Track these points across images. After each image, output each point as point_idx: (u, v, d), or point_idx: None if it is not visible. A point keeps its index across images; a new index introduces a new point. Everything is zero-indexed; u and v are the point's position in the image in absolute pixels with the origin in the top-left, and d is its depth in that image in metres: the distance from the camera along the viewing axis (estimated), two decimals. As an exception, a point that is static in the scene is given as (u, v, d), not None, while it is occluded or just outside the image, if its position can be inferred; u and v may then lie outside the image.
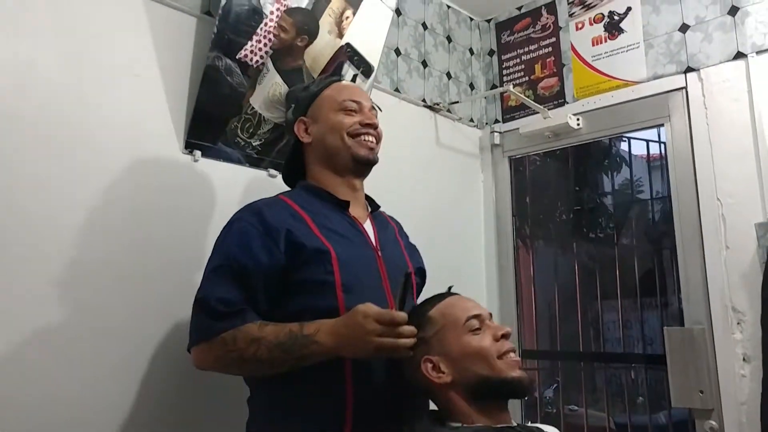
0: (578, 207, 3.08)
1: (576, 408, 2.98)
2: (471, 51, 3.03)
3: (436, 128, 2.74)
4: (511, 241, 2.87)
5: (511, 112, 2.93)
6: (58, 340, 1.47)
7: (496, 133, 2.93)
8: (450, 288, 1.45)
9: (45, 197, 1.49)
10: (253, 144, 1.92)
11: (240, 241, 1.38)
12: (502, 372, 1.27)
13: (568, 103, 2.71)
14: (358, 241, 1.50)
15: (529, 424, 1.43)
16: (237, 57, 1.80)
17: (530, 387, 1.33)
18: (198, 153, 1.81)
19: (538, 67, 2.84)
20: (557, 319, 2.89)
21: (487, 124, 3.01)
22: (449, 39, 2.89)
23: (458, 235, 2.78)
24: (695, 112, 2.32)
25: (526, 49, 2.90)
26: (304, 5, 1.94)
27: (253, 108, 1.88)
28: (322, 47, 2.03)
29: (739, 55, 2.23)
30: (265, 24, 1.84)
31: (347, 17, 2.09)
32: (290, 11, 1.89)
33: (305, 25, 1.95)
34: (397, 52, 2.59)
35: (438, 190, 2.69)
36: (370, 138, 1.57)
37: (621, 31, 2.57)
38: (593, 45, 2.66)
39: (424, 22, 2.76)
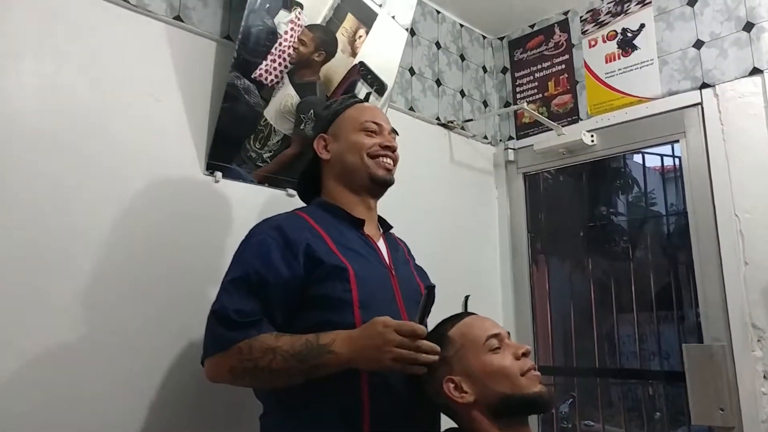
0: (593, 223, 3.07)
1: (592, 423, 2.95)
2: (484, 69, 3.04)
3: (451, 146, 2.76)
4: (526, 258, 2.87)
5: (524, 129, 2.94)
6: (77, 353, 1.50)
7: (510, 150, 2.94)
8: (467, 299, 1.46)
9: (70, 216, 1.53)
10: (264, 156, 1.93)
11: (260, 253, 1.39)
12: (524, 389, 1.28)
13: (582, 119, 2.72)
14: (373, 259, 1.51)
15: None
16: (252, 76, 1.83)
17: (551, 401, 1.33)
18: (219, 174, 1.83)
19: (551, 84, 2.85)
20: (573, 334, 2.87)
21: (501, 141, 3.02)
22: (462, 57, 2.91)
23: (473, 251, 2.78)
24: (711, 128, 2.32)
25: (539, 67, 2.91)
26: (318, 23, 1.97)
27: (265, 119, 1.91)
28: (336, 65, 2.06)
29: (755, 71, 2.23)
30: (280, 44, 1.87)
31: (360, 36, 2.11)
32: (311, 27, 1.93)
33: (324, 41, 1.98)
34: (411, 71, 2.61)
35: (453, 207, 2.70)
36: (389, 160, 1.59)
37: (634, 47, 2.58)
38: (607, 62, 2.67)
39: (438, 41, 2.78)
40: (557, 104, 2.81)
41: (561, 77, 2.82)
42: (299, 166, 1.78)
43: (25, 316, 1.43)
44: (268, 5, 1.81)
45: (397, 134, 1.67)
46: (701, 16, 2.40)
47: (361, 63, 2.14)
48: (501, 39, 3.11)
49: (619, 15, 2.65)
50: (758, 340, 2.11)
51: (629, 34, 2.60)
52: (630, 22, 2.61)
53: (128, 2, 1.70)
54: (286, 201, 1.99)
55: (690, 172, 2.38)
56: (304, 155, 1.85)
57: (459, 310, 1.47)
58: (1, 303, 1.40)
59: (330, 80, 2.06)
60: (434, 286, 1.35)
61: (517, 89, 3.00)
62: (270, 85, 1.88)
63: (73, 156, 1.55)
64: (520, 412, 1.31)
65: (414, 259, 1.77)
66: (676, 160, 2.54)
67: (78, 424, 1.47)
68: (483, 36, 3.08)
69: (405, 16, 2.28)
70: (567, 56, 2.81)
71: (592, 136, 2.64)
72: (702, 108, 2.36)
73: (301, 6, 1.90)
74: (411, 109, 2.57)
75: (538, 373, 1.32)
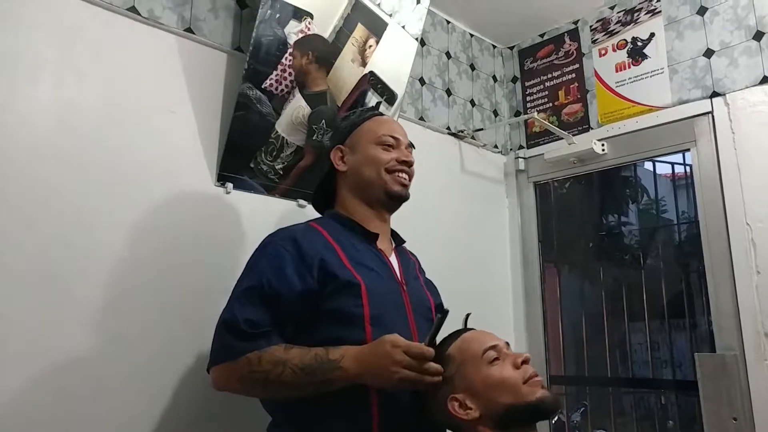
0: (604, 232, 3.06)
1: (604, 432, 2.94)
2: (494, 78, 3.05)
3: (461, 155, 2.76)
4: (537, 267, 2.86)
5: (535, 138, 2.94)
6: (93, 367, 1.51)
7: (520, 159, 2.94)
8: (467, 317, 1.46)
9: (86, 229, 1.55)
10: (276, 168, 1.94)
11: (273, 264, 1.39)
12: (526, 396, 1.27)
13: (592, 128, 2.72)
14: (385, 274, 1.51)
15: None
16: (263, 86, 1.84)
17: (556, 404, 1.33)
18: (230, 185, 1.84)
19: (561, 93, 2.86)
20: (584, 343, 2.86)
21: (511, 150, 3.02)
22: (473, 67, 2.92)
23: (484, 260, 2.78)
24: (722, 137, 2.31)
25: (550, 76, 2.92)
26: (327, 34, 1.98)
27: (276, 132, 1.91)
28: (346, 75, 2.06)
29: (766, 80, 2.22)
30: (290, 53, 1.88)
31: (370, 46, 2.12)
32: (297, 42, 1.90)
33: (314, 48, 1.96)
34: (422, 81, 2.62)
35: (463, 216, 2.70)
36: (405, 175, 1.59)
37: (645, 56, 2.58)
38: (617, 71, 2.67)
39: (448, 51, 2.79)
40: (567, 113, 2.81)
41: (571, 86, 2.82)
42: (312, 177, 1.79)
43: (45, 328, 1.45)
44: (278, 15, 1.82)
45: (414, 148, 1.68)
46: (711, 25, 2.40)
47: (371, 73, 2.15)
48: (511, 48, 3.12)
49: (629, 24, 2.65)
50: (771, 350, 2.10)
51: (639, 43, 2.60)
52: (640, 31, 2.61)
53: (140, 15, 1.72)
54: (297, 212, 2.00)
55: (701, 181, 2.37)
56: (317, 166, 1.85)
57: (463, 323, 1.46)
58: (22, 316, 1.43)
59: (340, 90, 2.06)
60: (448, 311, 1.32)
61: (528, 98, 3.00)
62: (280, 95, 1.89)
63: (92, 173, 1.58)
64: (527, 420, 1.31)
65: (424, 274, 1.76)
66: (687, 168, 2.53)
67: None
68: (493, 45, 3.09)
69: (415, 26, 2.29)
70: (577, 65, 2.82)
71: (602, 145, 2.64)
72: (713, 117, 2.35)
73: (311, 16, 1.91)
74: (421, 118, 2.58)
75: (539, 378, 1.31)
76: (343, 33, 2.02)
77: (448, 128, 2.71)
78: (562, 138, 2.70)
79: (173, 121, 1.76)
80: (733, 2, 2.35)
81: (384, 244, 1.59)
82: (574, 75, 2.83)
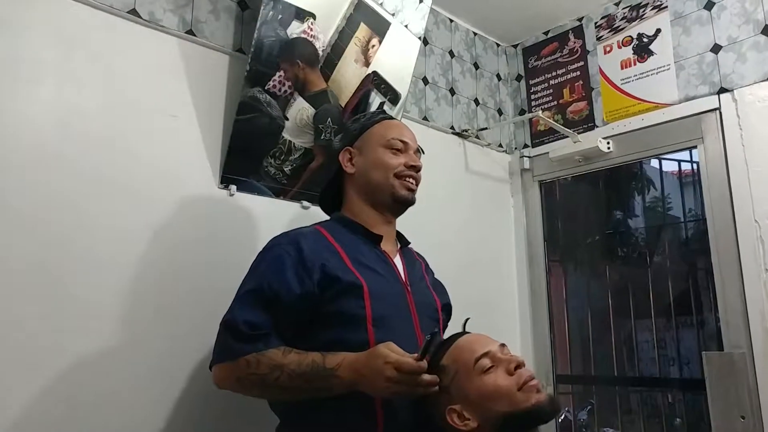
0: (610, 230, 3.05)
1: (611, 431, 2.93)
2: (498, 77, 3.03)
3: (465, 154, 2.75)
4: (543, 266, 2.85)
5: (540, 136, 2.92)
6: (98, 372, 1.52)
7: (525, 158, 2.93)
8: (466, 322, 1.44)
9: (88, 233, 1.55)
10: (285, 170, 1.94)
11: (274, 268, 1.40)
12: (522, 403, 1.25)
13: (597, 126, 2.70)
14: (388, 275, 1.51)
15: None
16: (266, 88, 1.83)
17: (554, 407, 1.29)
18: (233, 187, 1.84)
19: (566, 91, 2.84)
20: (590, 341, 2.85)
21: (516, 148, 3.00)
22: (476, 66, 2.90)
23: (490, 260, 2.77)
24: (730, 133, 2.29)
25: (554, 74, 2.90)
26: (330, 35, 1.97)
27: (283, 137, 1.91)
28: (349, 76, 2.05)
29: (774, 75, 2.20)
30: (281, 70, 1.87)
31: (373, 45, 2.11)
32: (281, 58, 1.87)
33: (299, 56, 1.92)
34: (425, 80, 2.60)
35: (468, 216, 2.69)
36: (412, 180, 1.60)
37: (651, 53, 2.56)
38: (622, 68, 2.65)
39: (451, 50, 2.77)
40: (572, 111, 2.79)
41: (576, 84, 2.80)
42: (320, 179, 1.78)
43: (49, 333, 1.46)
44: (280, 16, 1.81)
45: (423, 153, 1.68)
46: (718, 20, 2.37)
47: (375, 72, 2.14)
48: (515, 46, 3.10)
49: (635, 20, 2.63)
50: (780, 348, 2.08)
51: (645, 40, 2.58)
52: (646, 27, 2.59)
53: (141, 18, 1.72)
54: (301, 213, 1.99)
55: (708, 178, 2.35)
56: (327, 166, 1.85)
57: (469, 323, 1.45)
58: (32, 323, 1.44)
59: (343, 91, 2.05)
60: (437, 332, 1.30)
61: (532, 97, 2.99)
62: (284, 96, 1.88)
63: (94, 177, 1.58)
64: (526, 427, 1.29)
65: (432, 274, 1.76)
66: (694, 165, 2.51)
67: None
68: (497, 44, 3.07)
69: (418, 25, 2.27)
70: (582, 63, 2.80)
71: (608, 143, 2.62)
72: (720, 113, 2.33)
73: (313, 16, 1.90)
74: (425, 118, 2.57)
75: (534, 382, 1.29)
76: (345, 33, 2.01)
77: (452, 128, 2.70)
78: (567, 136, 2.69)
79: (175, 124, 1.76)
80: (740, -4, 2.32)
81: (389, 245, 1.59)
82: (578, 73, 2.80)
